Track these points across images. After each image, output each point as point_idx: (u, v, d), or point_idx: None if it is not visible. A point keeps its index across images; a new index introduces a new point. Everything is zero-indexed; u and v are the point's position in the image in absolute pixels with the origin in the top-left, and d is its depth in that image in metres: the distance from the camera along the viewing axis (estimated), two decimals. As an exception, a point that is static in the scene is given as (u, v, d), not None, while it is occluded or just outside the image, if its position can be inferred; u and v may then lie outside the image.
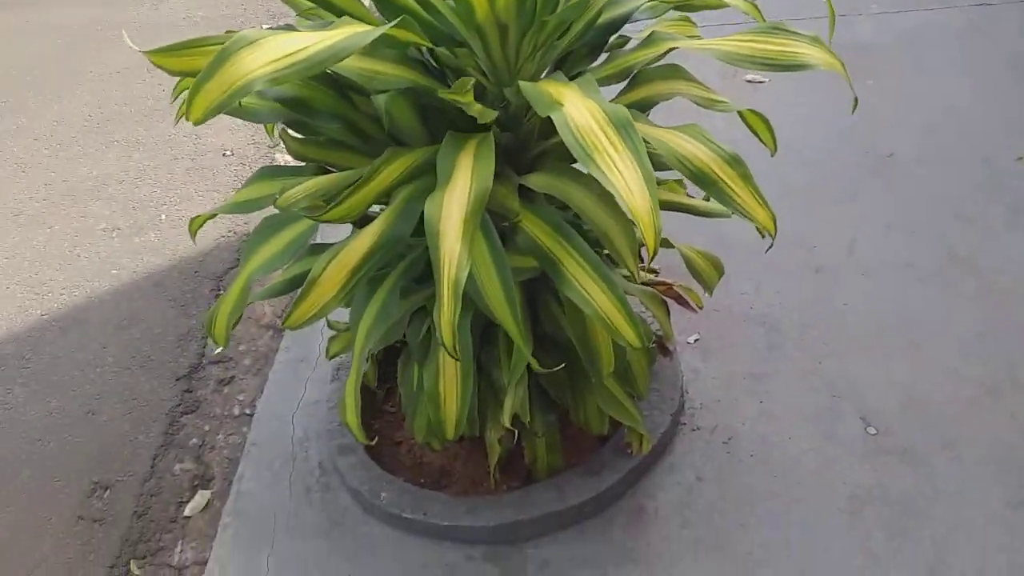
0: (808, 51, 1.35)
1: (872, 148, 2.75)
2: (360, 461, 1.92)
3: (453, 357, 1.13)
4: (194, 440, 2.24)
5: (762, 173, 2.58)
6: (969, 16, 3.36)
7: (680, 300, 1.96)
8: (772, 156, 1.62)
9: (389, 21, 1.31)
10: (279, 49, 1.02)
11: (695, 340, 2.20)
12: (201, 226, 1.60)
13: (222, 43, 1.09)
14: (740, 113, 1.51)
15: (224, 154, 3.21)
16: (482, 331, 1.61)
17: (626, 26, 1.51)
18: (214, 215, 1.59)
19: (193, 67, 1.21)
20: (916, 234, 2.43)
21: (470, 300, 1.31)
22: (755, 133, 1.59)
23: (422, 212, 1.16)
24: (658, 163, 1.30)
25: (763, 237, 1.37)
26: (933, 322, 2.17)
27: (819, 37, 1.38)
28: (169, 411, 2.32)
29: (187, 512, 2.04)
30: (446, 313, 1.09)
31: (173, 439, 2.25)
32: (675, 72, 1.48)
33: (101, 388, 2.37)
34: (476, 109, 1.21)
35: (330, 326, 1.86)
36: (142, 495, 2.09)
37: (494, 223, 1.45)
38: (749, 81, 3.14)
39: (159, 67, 1.24)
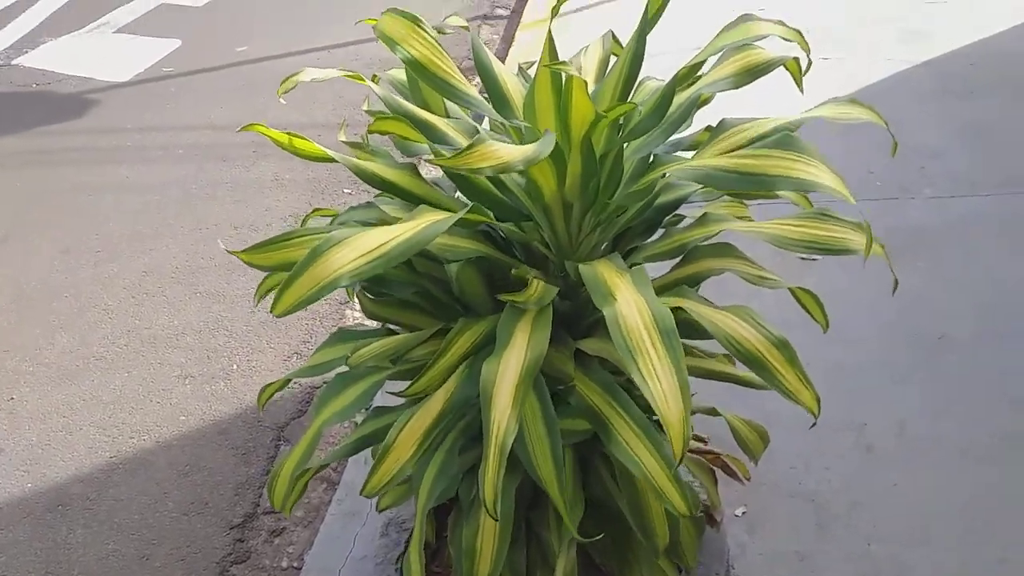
0: (852, 236, 1.44)
1: (923, 330, 2.79)
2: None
3: (492, 517, 1.19)
4: (242, 591, 2.28)
5: (812, 350, 2.65)
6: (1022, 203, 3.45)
7: (727, 470, 1.99)
8: (824, 332, 1.68)
9: (465, 195, 1.45)
10: (364, 246, 1.15)
11: (742, 513, 2.20)
12: (272, 395, 1.70)
13: (303, 237, 1.24)
14: (791, 290, 1.60)
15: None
16: (533, 491, 1.66)
17: (683, 206, 1.63)
18: (288, 381, 1.70)
19: (281, 261, 1.35)
20: (970, 417, 2.42)
21: (517, 462, 1.37)
22: (806, 310, 1.66)
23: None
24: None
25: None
26: (987, 509, 2.14)
27: (863, 223, 1.47)
28: (220, 560, 2.37)
29: (231, 663, 2.06)
30: (491, 475, 1.16)
31: (222, 588, 2.29)
32: (726, 250, 1.59)
33: (159, 533, 2.44)
34: (533, 296, 1.31)
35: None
36: (188, 643, 2.11)
37: (549, 386, 1.54)
38: (803, 258, 3.24)
39: (250, 265, 1.38)
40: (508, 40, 5.46)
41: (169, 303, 3.39)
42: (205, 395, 2.95)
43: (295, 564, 2.32)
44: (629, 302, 1.20)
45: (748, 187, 1.22)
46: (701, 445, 1.97)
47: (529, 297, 1.28)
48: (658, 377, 1.14)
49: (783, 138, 1.23)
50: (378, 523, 2.23)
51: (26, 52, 5.61)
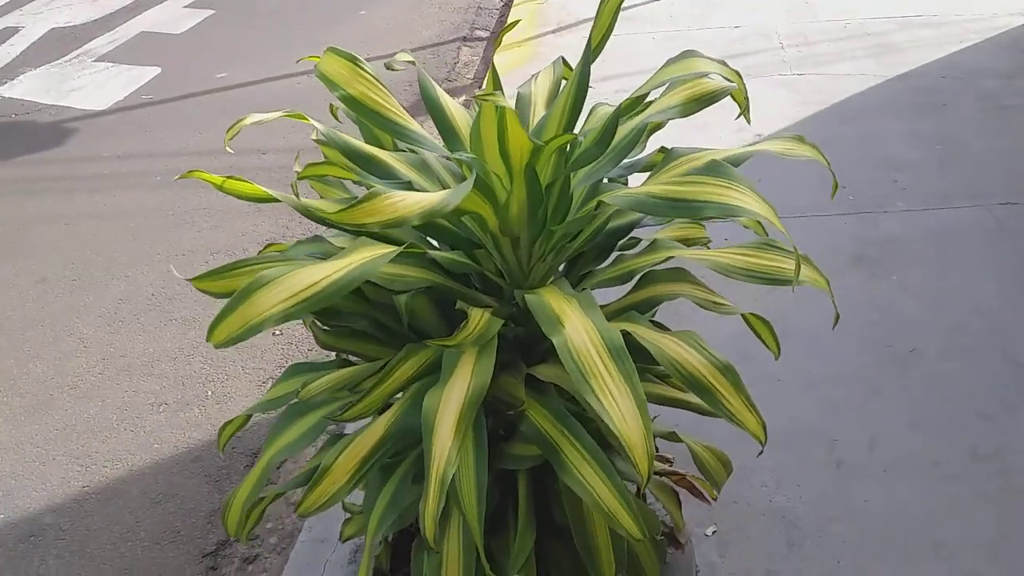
0: (791, 266, 1.45)
1: (895, 343, 2.80)
2: (372, 649, 1.92)
3: (433, 551, 1.19)
4: (214, 619, 2.27)
5: (783, 367, 2.66)
6: (995, 215, 3.47)
7: (694, 491, 1.98)
8: (776, 359, 1.69)
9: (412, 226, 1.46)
10: (294, 286, 1.15)
11: (712, 532, 2.20)
12: (233, 434, 1.70)
13: (254, 265, 1.24)
14: (744, 316, 1.60)
15: (273, 333, 3.38)
16: (489, 518, 1.66)
17: (641, 228, 1.64)
18: (248, 418, 1.70)
19: (230, 289, 1.35)
20: (938, 431, 2.43)
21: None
22: (759, 336, 1.66)
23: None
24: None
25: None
26: (956, 522, 2.14)
27: (807, 256, 1.48)
28: (193, 588, 2.36)
29: None
30: (431, 507, 1.16)
31: (194, 618, 2.28)
32: (679, 275, 1.59)
33: (131, 562, 2.43)
34: (470, 334, 1.31)
35: (345, 508, 1.92)
36: (157, 674, 2.10)
37: (501, 411, 1.54)
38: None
39: (202, 291, 1.39)
40: (487, 62, 5.49)
41: (144, 330, 3.38)
42: (179, 422, 2.94)
43: (274, 589, 2.31)
44: (577, 327, 1.21)
45: (677, 213, 1.23)
46: (666, 466, 1.97)
47: (465, 338, 1.28)
48: (614, 398, 1.14)
49: (710, 164, 1.24)
50: (347, 550, 2.23)
51: (5, 83, 5.63)
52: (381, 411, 1.53)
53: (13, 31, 6.51)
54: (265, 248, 1.73)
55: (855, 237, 3.36)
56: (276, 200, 1.36)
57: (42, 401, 3.03)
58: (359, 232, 1.23)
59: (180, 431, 2.91)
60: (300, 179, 1.46)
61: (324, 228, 1.61)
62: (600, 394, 1.13)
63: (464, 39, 5.80)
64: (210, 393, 3.09)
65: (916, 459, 2.35)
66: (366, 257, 1.22)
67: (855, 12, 5.19)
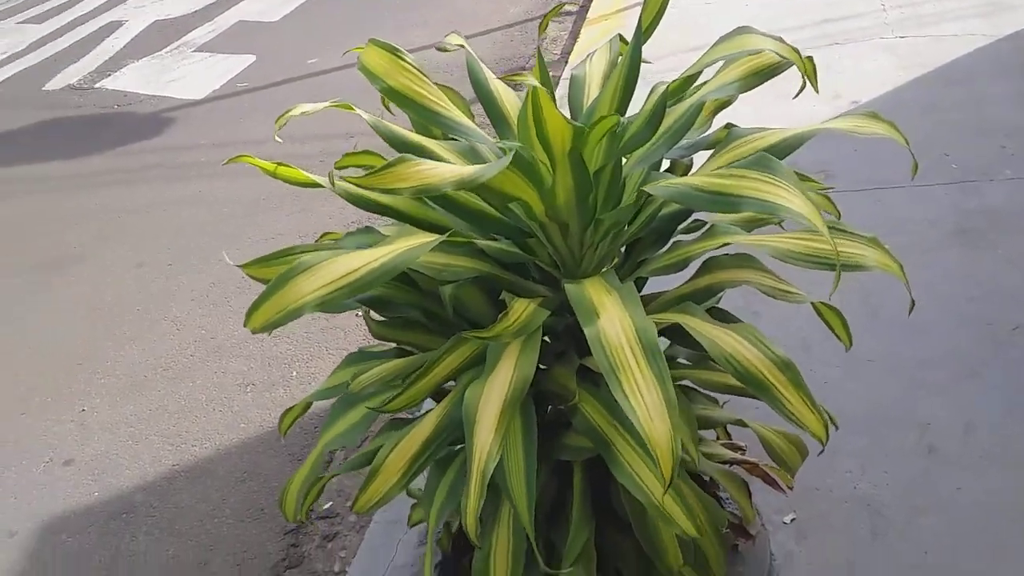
0: (864, 252, 1.36)
1: (997, 320, 2.63)
2: (441, 634, 1.93)
3: (475, 546, 1.17)
4: (292, 597, 2.33)
5: (872, 346, 2.54)
6: (1112, 182, 3.22)
7: (767, 479, 1.91)
8: (847, 351, 1.60)
9: (455, 215, 1.44)
10: (333, 273, 1.14)
11: (791, 520, 2.12)
12: (295, 420, 1.73)
13: (302, 253, 1.24)
14: (814, 305, 1.52)
15: (357, 314, 3.44)
16: (549, 510, 1.64)
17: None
18: (309, 405, 1.73)
19: (278, 276, 1.35)
20: (1042, 417, 2.28)
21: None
22: (829, 326, 1.58)
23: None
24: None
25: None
26: (1057, 516, 2.00)
27: (876, 238, 1.39)
28: (274, 565, 2.42)
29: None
30: (472, 503, 1.15)
31: (275, 594, 2.35)
32: (744, 261, 1.52)
33: (216, 539, 2.51)
34: (510, 327, 1.27)
35: (409, 494, 1.93)
36: (238, 651, 2.17)
37: (552, 404, 1.50)
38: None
39: (252, 277, 1.41)
40: (575, 35, 5.41)
41: (234, 312, 3.49)
42: (265, 402, 3.02)
43: (347, 568, 2.35)
44: (613, 319, 1.16)
45: (717, 207, 1.17)
46: (737, 455, 1.90)
47: (504, 329, 1.25)
48: (642, 395, 1.09)
49: (759, 158, 1.17)
50: (417, 532, 2.24)
51: (109, 75, 5.87)
52: (438, 400, 1.52)
53: (117, 24, 6.78)
54: (320, 237, 1.74)
55: (957, 207, 3.17)
56: (321, 186, 1.37)
57: (137, 383, 3.16)
58: (388, 194, 1.20)
59: (266, 411, 2.99)
60: (338, 168, 1.46)
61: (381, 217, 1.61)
62: (628, 390, 1.09)
63: (552, 13, 5.71)
64: (295, 374, 3.16)
65: (1014, 446, 2.20)
66: (408, 246, 1.20)
67: (963, -33, 4.87)
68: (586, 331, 1.15)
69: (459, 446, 1.56)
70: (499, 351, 1.29)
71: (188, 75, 5.74)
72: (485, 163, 1.52)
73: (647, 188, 1.22)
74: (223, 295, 3.61)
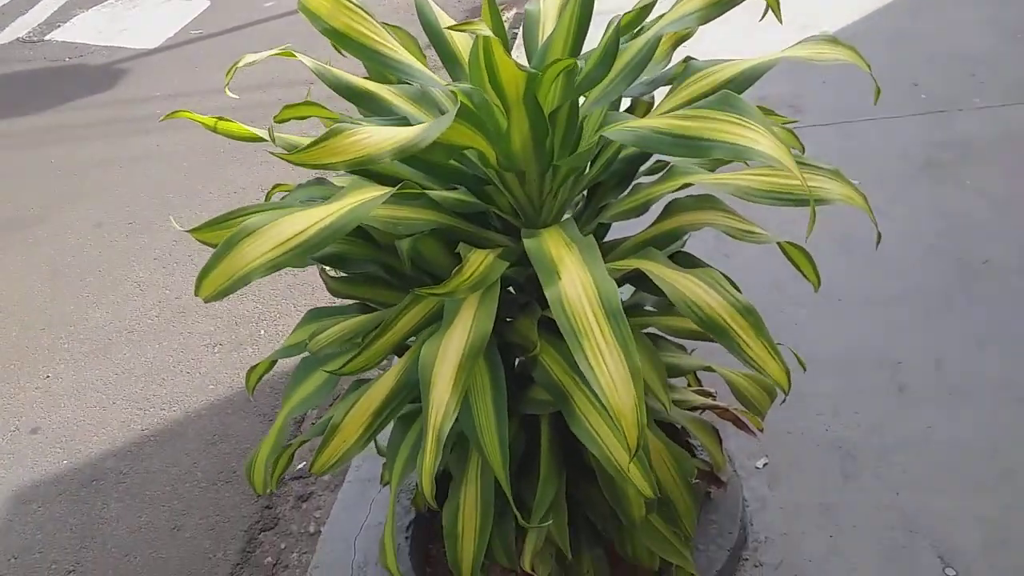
0: (827, 185, 1.32)
1: (967, 255, 2.61)
2: (414, 592, 1.92)
3: (432, 507, 1.14)
4: (268, 559, 2.30)
5: (842, 285, 2.51)
6: (1083, 108, 3.19)
7: (738, 423, 1.90)
8: (816, 291, 1.56)
9: (410, 164, 1.38)
10: (279, 236, 1.09)
11: (763, 465, 2.12)
12: (260, 378, 1.68)
13: (251, 215, 1.18)
14: (780, 246, 1.48)
15: (325, 269, 3.37)
16: (519, 463, 1.61)
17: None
18: (273, 363, 1.68)
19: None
20: (1012, 351, 2.27)
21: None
22: (796, 266, 1.54)
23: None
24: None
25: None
26: (1027, 449, 2.01)
27: (839, 170, 1.35)
28: (248, 528, 2.40)
29: (252, 633, 2.09)
30: (428, 463, 1.11)
31: (249, 557, 2.32)
32: (707, 203, 1.48)
33: (188, 503, 2.48)
34: (465, 281, 1.23)
35: (379, 452, 1.90)
36: (213, 613, 2.16)
37: (516, 354, 1.46)
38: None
39: (203, 243, 1.35)
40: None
41: (198, 271, 3.41)
42: (233, 362, 2.97)
43: (322, 528, 2.33)
44: (574, 279, 1.11)
45: (683, 152, 1.11)
46: (707, 401, 1.88)
47: (460, 284, 1.20)
48: (605, 362, 1.05)
49: (723, 97, 1.11)
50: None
51: (59, 26, 5.66)
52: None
53: (66, -27, 6.52)
54: (272, 189, 1.68)
55: (926, 139, 3.13)
56: (263, 140, 1.31)
57: (102, 346, 3.09)
58: (322, 168, 1.14)
59: (234, 371, 2.94)
60: (278, 122, 1.39)
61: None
62: (591, 357, 1.04)
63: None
64: (263, 332, 3.11)
65: (985, 381, 2.20)
66: (357, 201, 1.15)
67: None
68: (547, 293, 1.10)
69: (419, 403, 1.52)
70: (456, 306, 1.24)
71: (140, 23, 5.55)
72: (438, 108, 1.46)
73: (606, 132, 1.16)
74: (186, 253, 3.52)
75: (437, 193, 1.34)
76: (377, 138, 1.06)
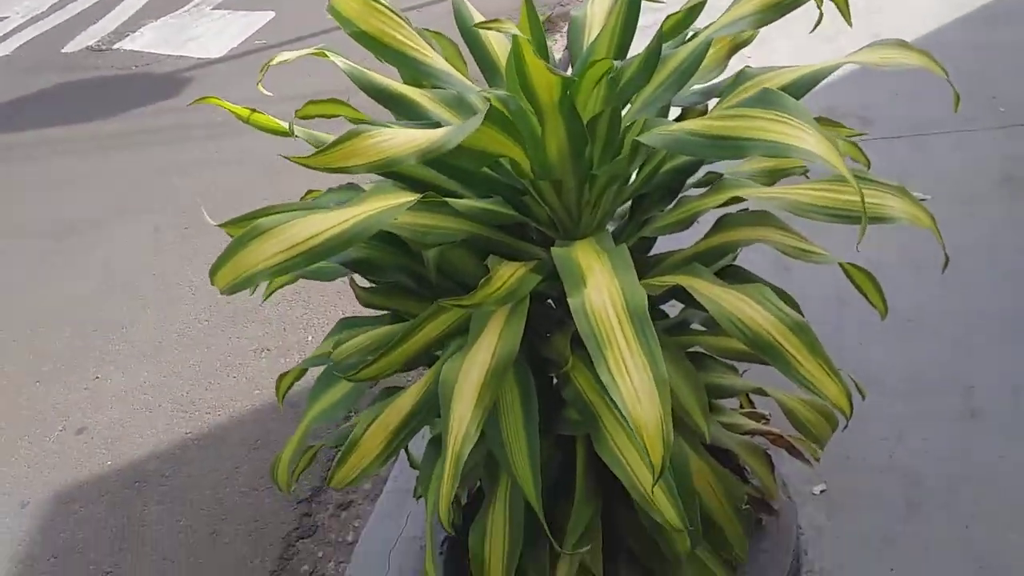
0: (890, 202, 1.22)
1: (1048, 274, 2.45)
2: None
3: (449, 532, 1.07)
4: (305, 567, 2.27)
5: (912, 304, 2.38)
6: None
7: (793, 451, 1.79)
8: (883, 320, 1.45)
9: (443, 172, 1.32)
10: (290, 238, 1.04)
11: (821, 491, 2.00)
12: (290, 386, 1.65)
13: (280, 213, 1.13)
14: (842, 267, 1.38)
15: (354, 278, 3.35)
16: (553, 485, 1.53)
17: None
18: (304, 370, 1.64)
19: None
20: (1095, 378, 2.11)
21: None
22: (860, 290, 1.44)
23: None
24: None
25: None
26: (1110, 486, 1.86)
27: (904, 188, 1.24)
28: (287, 535, 2.36)
29: (285, 646, 2.05)
30: (446, 487, 1.04)
31: (286, 565, 2.29)
32: (761, 219, 1.38)
33: (228, 508, 2.46)
34: (492, 294, 1.16)
35: (412, 465, 1.84)
36: (247, 624, 2.12)
37: (552, 371, 1.39)
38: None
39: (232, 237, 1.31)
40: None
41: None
42: (279, 368, 2.95)
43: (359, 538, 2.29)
44: (600, 287, 1.04)
45: (719, 153, 1.03)
46: (760, 425, 1.78)
47: (487, 297, 1.13)
48: (629, 373, 0.97)
49: (762, 94, 1.02)
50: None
51: (127, 36, 5.78)
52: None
53: (137, -17, 6.67)
54: (305, 195, 1.64)
55: (1004, 154, 2.97)
56: (294, 136, 1.28)
57: (152, 349, 3.11)
58: (339, 172, 1.09)
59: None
60: (301, 117, 1.35)
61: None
62: (613, 367, 0.96)
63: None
64: (310, 339, 3.08)
65: (1066, 410, 2.05)
66: (376, 208, 1.09)
67: None
68: (570, 302, 1.03)
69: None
70: (482, 321, 1.17)
71: (206, 34, 5.63)
72: (473, 113, 1.40)
73: (639, 136, 1.08)
74: (239, 258, 3.53)
75: (467, 202, 1.27)
76: (399, 140, 1.00)
